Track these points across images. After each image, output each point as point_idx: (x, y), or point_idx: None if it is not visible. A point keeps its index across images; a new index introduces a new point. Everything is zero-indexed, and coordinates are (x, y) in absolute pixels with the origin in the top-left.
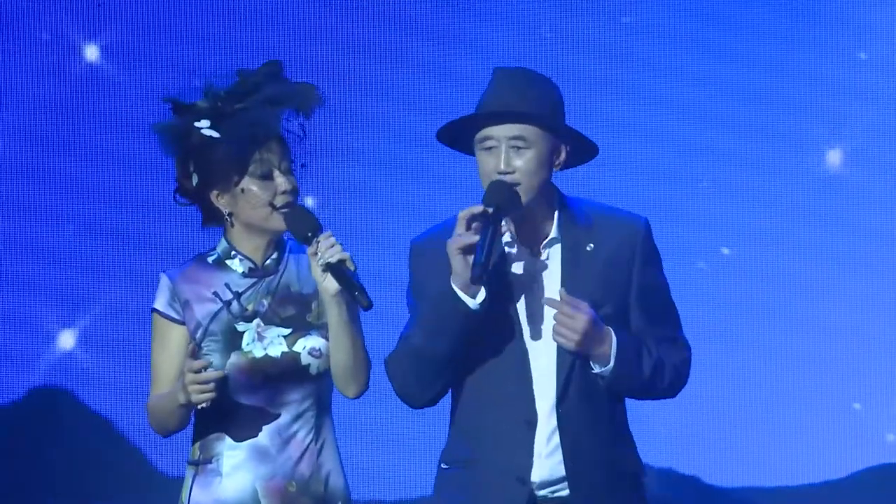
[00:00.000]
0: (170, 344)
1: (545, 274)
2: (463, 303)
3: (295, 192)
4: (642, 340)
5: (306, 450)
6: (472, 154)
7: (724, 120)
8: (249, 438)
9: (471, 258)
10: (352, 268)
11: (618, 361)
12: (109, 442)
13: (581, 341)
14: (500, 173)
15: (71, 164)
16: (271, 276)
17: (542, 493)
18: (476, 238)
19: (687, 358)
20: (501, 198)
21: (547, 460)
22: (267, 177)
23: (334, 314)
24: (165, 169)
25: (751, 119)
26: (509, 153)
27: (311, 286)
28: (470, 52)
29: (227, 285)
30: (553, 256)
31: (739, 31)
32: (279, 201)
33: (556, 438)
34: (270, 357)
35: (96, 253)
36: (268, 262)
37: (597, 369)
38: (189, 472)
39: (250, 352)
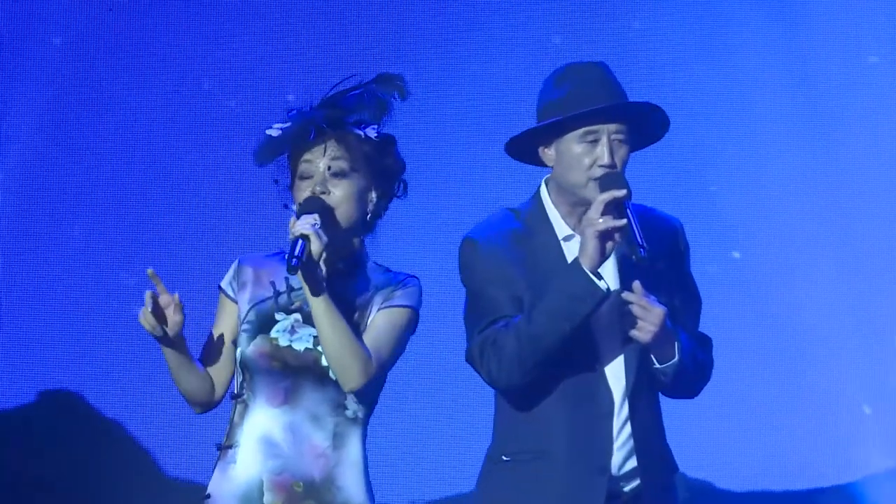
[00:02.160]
0: (220, 318)
1: (602, 269)
2: (596, 286)
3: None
4: (695, 337)
5: (321, 455)
6: (520, 156)
7: (735, 124)
8: (263, 430)
9: (609, 243)
10: (317, 247)
11: (682, 357)
12: (116, 444)
13: (657, 334)
14: (602, 166)
15: (78, 167)
16: (334, 283)
17: (619, 484)
18: (621, 222)
19: (713, 358)
20: (626, 185)
21: (621, 451)
22: (305, 177)
23: (311, 304)
24: (170, 172)
25: (761, 123)
26: (612, 147)
27: (363, 299)
28: (480, 59)
29: (286, 278)
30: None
31: (750, 36)
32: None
33: (629, 429)
34: (293, 349)
35: (99, 254)
36: (334, 269)
37: (659, 364)
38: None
39: (276, 339)
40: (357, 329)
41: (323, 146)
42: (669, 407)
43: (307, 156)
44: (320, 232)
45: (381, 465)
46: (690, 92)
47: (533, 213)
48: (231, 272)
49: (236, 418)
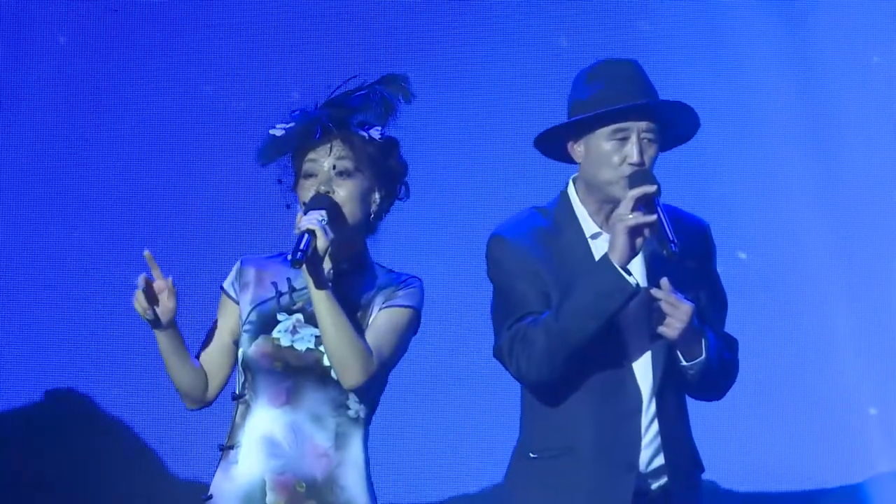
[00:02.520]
0: (220, 318)
1: (630, 266)
2: (626, 281)
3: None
4: (722, 337)
5: (323, 455)
6: (549, 153)
7: (740, 124)
8: (265, 430)
9: (639, 239)
10: (322, 242)
11: (709, 355)
12: (120, 444)
13: (684, 331)
14: (631, 164)
15: (83, 166)
16: (337, 283)
17: (646, 481)
18: (651, 219)
19: (738, 359)
20: (655, 182)
21: (649, 449)
22: (310, 175)
23: (314, 299)
24: (175, 171)
25: (766, 123)
26: (642, 145)
27: (365, 299)
28: (487, 60)
29: (288, 279)
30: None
31: (755, 37)
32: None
33: (656, 427)
34: (295, 349)
35: (104, 253)
36: (338, 269)
37: (686, 362)
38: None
39: (278, 339)
40: (359, 328)
41: (328, 145)
42: None
43: (312, 155)
44: (326, 227)
45: (385, 466)
46: (696, 93)
47: (560, 211)
48: (233, 273)
49: (238, 419)
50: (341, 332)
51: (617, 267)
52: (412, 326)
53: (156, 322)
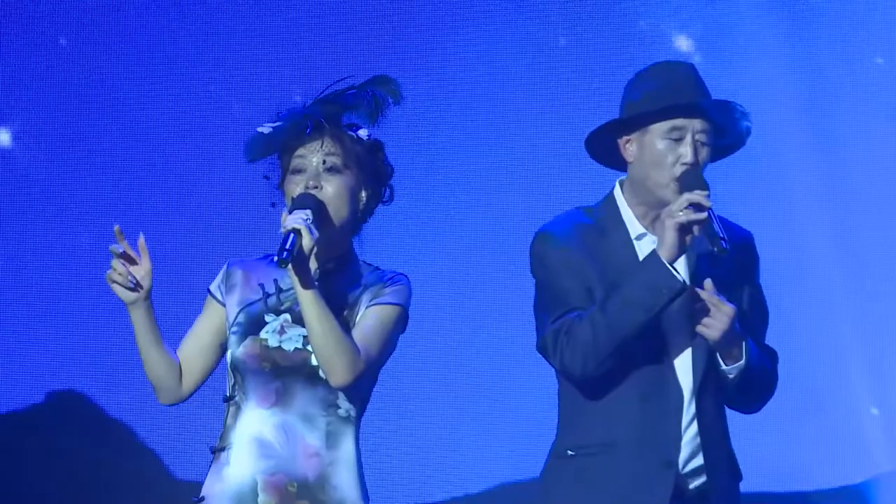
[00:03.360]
0: (204, 319)
1: (676, 265)
2: (675, 277)
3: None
4: (763, 346)
5: (315, 454)
6: (598, 154)
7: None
8: (255, 431)
9: (687, 237)
10: (307, 241)
11: (749, 360)
12: (120, 446)
13: (725, 332)
14: (685, 164)
15: (83, 167)
16: (323, 281)
17: (685, 480)
18: (702, 216)
19: (777, 373)
20: (706, 185)
21: (687, 448)
22: (298, 171)
23: (300, 298)
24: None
25: (767, 124)
26: (696, 146)
27: (352, 297)
28: (484, 59)
29: (275, 280)
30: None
31: (757, 38)
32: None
33: (696, 427)
34: (283, 350)
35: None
36: (324, 268)
37: (725, 366)
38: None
39: (265, 339)
40: (346, 327)
41: (318, 142)
42: None
43: (301, 151)
44: (312, 227)
45: (380, 466)
46: None
47: (606, 212)
48: (220, 275)
49: (229, 420)
50: (328, 332)
51: (665, 263)
52: (400, 324)
53: (134, 291)
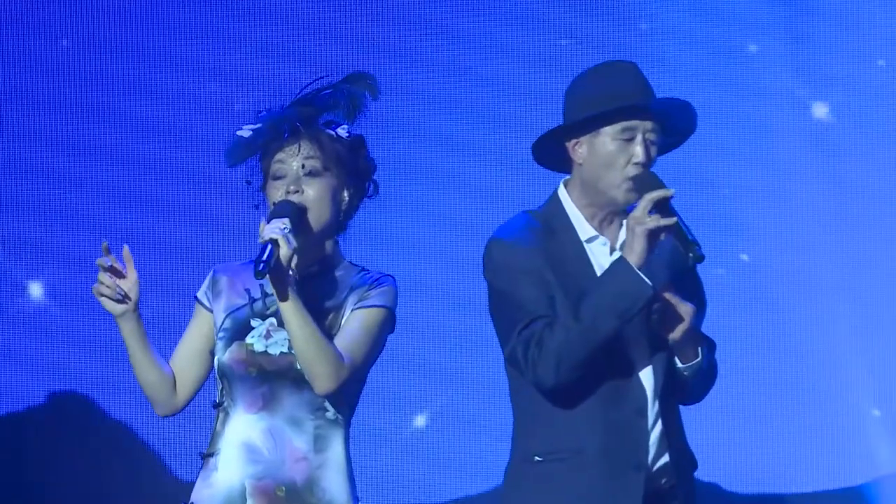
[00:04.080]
0: (193, 326)
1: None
2: (647, 284)
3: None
4: (710, 341)
5: (303, 458)
6: (543, 159)
7: (744, 126)
8: (243, 436)
9: (655, 242)
10: (285, 251)
11: (705, 357)
12: (118, 446)
13: (687, 332)
14: (637, 163)
15: (84, 168)
16: (308, 285)
17: (654, 480)
18: (671, 221)
19: (716, 361)
20: (662, 184)
21: (655, 447)
22: (278, 177)
23: (281, 308)
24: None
25: (768, 125)
26: (647, 145)
27: (337, 300)
28: (486, 59)
29: (261, 285)
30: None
31: (758, 38)
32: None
33: (660, 427)
34: (268, 354)
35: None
36: (308, 272)
37: (682, 364)
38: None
39: (251, 344)
40: (331, 330)
41: (296, 145)
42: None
43: (280, 155)
44: (289, 236)
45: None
46: (698, 94)
47: (553, 215)
48: (207, 282)
49: (218, 426)
50: (310, 340)
51: (636, 270)
52: (386, 326)
53: (122, 303)
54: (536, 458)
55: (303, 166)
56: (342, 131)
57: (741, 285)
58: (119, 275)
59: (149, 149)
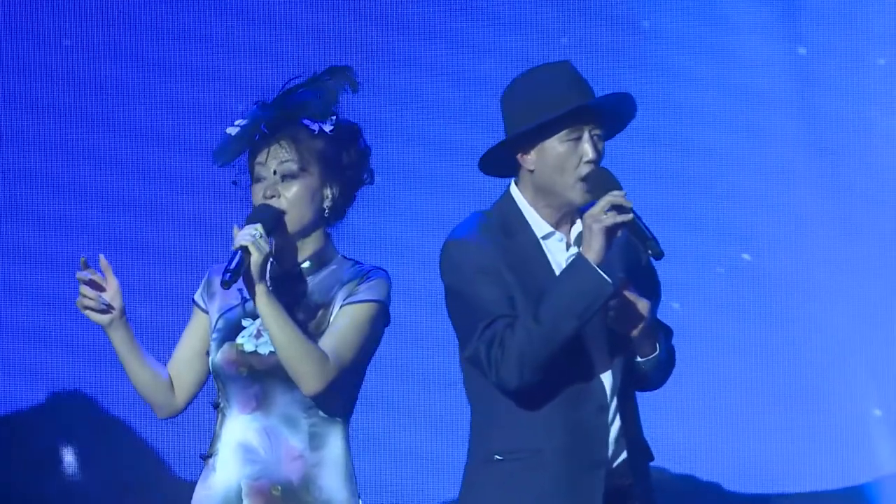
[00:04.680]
0: (190, 328)
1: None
2: (606, 281)
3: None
4: (667, 330)
5: (298, 457)
6: (492, 169)
7: (744, 124)
8: (239, 437)
9: (613, 239)
10: (256, 257)
11: (664, 348)
12: (123, 447)
13: (644, 328)
14: (588, 162)
15: (86, 168)
16: (298, 282)
17: (614, 477)
18: (627, 217)
19: (673, 347)
20: (616, 182)
21: (614, 444)
22: (258, 180)
23: (260, 312)
24: (178, 173)
25: (770, 124)
26: (595, 141)
27: (327, 296)
28: (486, 59)
29: None
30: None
31: (758, 37)
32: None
33: (619, 423)
34: (258, 353)
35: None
36: (298, 268)
37: (642, 357)
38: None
39: (242, 344)
40: (320, 327)
41: (273, 147)
42: (681, 407)
43: (259, 157)
44: (260, 242)
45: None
46: (699, 92)
47: (507, 214)
48: (202, 284)
49: (217, 428)
50: (291, 342)
51: (595, 267)
52: (377, 321)
53: (107, 313)
54: (496, 457)
55: (274, 172)
56: (327, 126)
57: (743, 284)
58: (100, 287)
59: (149, 149)
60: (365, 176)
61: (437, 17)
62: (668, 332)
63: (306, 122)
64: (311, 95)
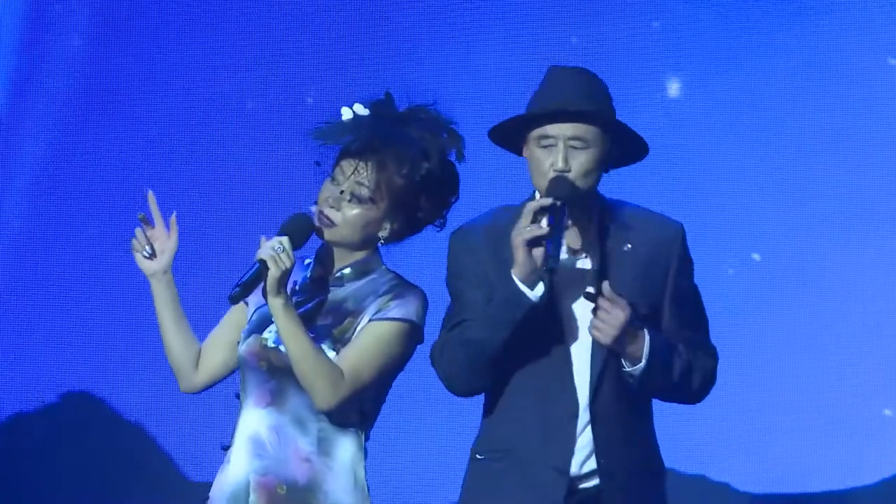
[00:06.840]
0: (227, 317)
1: (584, 272)
2: (525, 295)
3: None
4: (674, 343)
5: (306, 460)
6: (518, 153)
7: (755, 125)
8: (251, 430)
9: (537, 250)
10: (274, 272)
11: (649, 361)
12: (133, 446)
13: (617, 337)
14: (556, 171)
15: (97, 167)
16: (334, 287)
17: (577, 484)
18: (544, 230)
19: (714, 366)
20: (566, 192)
21: (582, 452)
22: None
23: (277, 324)
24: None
25: (780, 124)
26: (567, 152)
27: (360, 305)
28: (496, 58)
29: (294, 283)
30: (592, 255)
31: (769, 37)
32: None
33: (590, 433)
34: (278, 350)
35: (116, 254)
36: (340, 273)
37: (628, 368)
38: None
39: (266, 339)
40: (345, 334)
41: (360, 161)
42: (690, 407)
43: (344, 161)
44: (282, 258)
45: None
46: (709, 92)
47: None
48: None
49: (237, 419)
50: (306, 357)
51: (515, 280)
52: (404, 341)
53: (151, 262)
54: (478, 455)
55: (345, 190)
56: (416, 174)
57: (753, 285)
58: (156, 235)
59: (160, 148)
60: (438, 222)
61: (445, 17)
62: (696, 349)
63: (400, 157)
64: (423, 139)
